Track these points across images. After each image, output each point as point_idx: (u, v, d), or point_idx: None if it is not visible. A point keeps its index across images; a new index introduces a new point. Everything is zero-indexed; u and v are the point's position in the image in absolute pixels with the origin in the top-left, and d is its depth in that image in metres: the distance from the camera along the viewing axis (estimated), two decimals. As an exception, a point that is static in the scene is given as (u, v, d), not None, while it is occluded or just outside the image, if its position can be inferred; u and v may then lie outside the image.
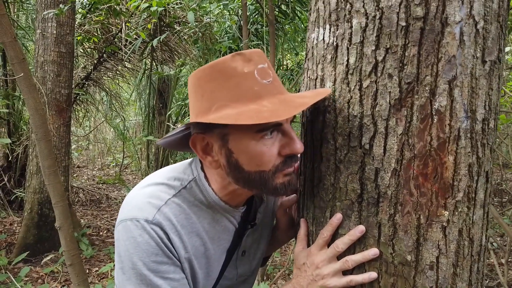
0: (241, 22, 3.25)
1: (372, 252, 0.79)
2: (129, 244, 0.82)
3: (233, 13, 3.96)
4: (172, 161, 6.62)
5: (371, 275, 0.79)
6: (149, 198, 0.86)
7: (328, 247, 0.85)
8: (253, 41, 3.76)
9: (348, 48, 0.82)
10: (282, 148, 0.82)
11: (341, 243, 0.82)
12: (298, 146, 0.82)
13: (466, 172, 0.77)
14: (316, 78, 0.90)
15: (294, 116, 0.87)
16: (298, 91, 1.04)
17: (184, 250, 0.87)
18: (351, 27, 0.81)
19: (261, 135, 0.80)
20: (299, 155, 1.02)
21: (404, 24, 0.76)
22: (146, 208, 0.84)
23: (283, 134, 0.83)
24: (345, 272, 0.83)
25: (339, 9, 0.84)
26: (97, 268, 4.11)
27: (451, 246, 0.78)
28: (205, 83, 0.83)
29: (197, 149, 0.87)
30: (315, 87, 0.90)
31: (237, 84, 0.80)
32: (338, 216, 0.84)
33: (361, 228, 0.80)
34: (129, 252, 0.82)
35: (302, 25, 4.32)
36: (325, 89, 0.86)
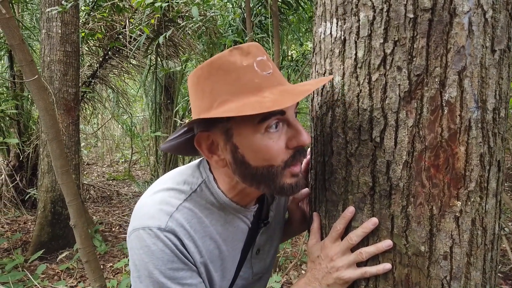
0: (245, 14, 3.24)
1: (386, 243, 0.80)
2: (144, 253, 0.81)
3: (236, 5, 3.94)
4: (180, 156, 6.66)
5: (385, 266, 0.80)
6: (160, 205, 0.85)
7: (341, 239, 0.86)
8: (258, 33, 3.74)
9: (356, 42, 0.82)
10: (289, 141, 0.81)
11: (355, 236, 0.83)
12: (305, 137, 0.81)
13: (478, 162, 0.77)
14: (325, 73, 0.91)
15: (297, 104, 0.85)
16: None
17: (199, 255, 0.87)
18: (359, 20, 0.81)
19: (265, 127, 0.78)
20: (308, 151, 1.03)
21: (412, 16, 0.75)
22: (158, 216, 0.83)
23: (289, 126, 0.81)
24: (359, 264, 0.84)
25: (345, 3, 0.84)
26: (111, 264, 4.17)
27: (464, 235, 0.78)
28: (204, 81, 0.82)
29: (203, 148, 0.86)
30: (324, 82, 0.91)
31: (237, 78, 0.79)
32: (350, 209, 0.84)
33: (374, 220, 0.81)
34: (144, 261, 0.81)
35: (306, 15, 4.29)
36: (327, 76, 0.86)
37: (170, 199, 0.86)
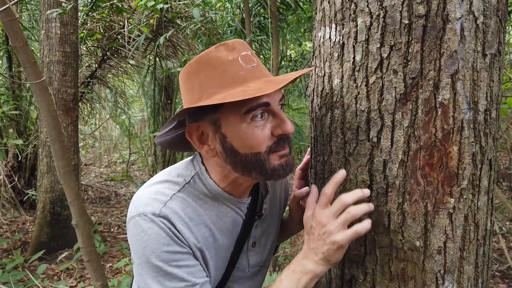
0: (243, 15, 3.27)
1: (341, 172, 0.84)
2: (141, 238, 0.85)
3: (235, 6, 3.97)
4: (179, 156, 6.68)
5: (368, 222, 0.81)
6: (154, 195, 0.89)
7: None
8: (258, 35, 3.77)
9: (354, 46, 0.86)
10: (274, 129, 0.85)
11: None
12: (289, 126, 0.85)
13: (470, 160, 0.81)
14: (324, 75, 0.94)
15: (283, 98, 0.90)
16: (307, 87, 1.07)
17: (195, 240, 0.90)
18: (357, 26, 0.85)
19: (251, 117, 0.82)
20: (308, 151, 1.06)
21: (407, 22, 0.79)
22: (152, 204, 0.87)
23: (274, 116, 0.86)
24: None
25: (344, 9, 0.87)
26: (110, 264, 4.19)
27: (457, 231, 0.82)
28: (193, 76, 0.87)
29: (193, 139, 0.91)
30: (323, 84, 0.94)
31: (223, 71, 0.84)
32: (341, 172, 0.84)
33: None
34: (142, 247, 0.85)
35: (305, 15, 4.32)
36: (307, 68, 0.92)
37: (164, 190, 0.91)
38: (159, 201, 0.88)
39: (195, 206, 0.91)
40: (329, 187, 0.85)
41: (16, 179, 5.73)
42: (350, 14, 0.86)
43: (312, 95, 1.00)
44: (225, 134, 0.85)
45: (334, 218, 0.83)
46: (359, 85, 0.85)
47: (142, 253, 0.85)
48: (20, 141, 3.84)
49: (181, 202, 0.89)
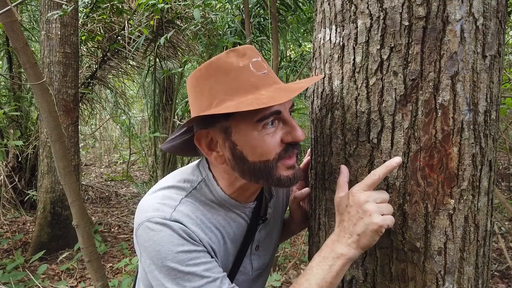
0: (243, 16, 3.28)
1: (397, 159, 0.78)
2: (153, 243, 0.83)
3: (235, 7, 3.97)
4: (179, 156, 6.68)
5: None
6: (162, 200, 0.89)
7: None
8: (258, 36, 3.77)
9: (354, 48, 0.86)
10: (285, 136, 0.85)
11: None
12: (300, 134, 0.85)
13: (470, 162, 0.81)
14: (324, 77, 0.94)
15: (293, 105, 0.90)
16: (307, 88, 1.07)
17: (209, 239, 0.89)
18: (357, 27, 0.85)
19: (263, 125, 0.82)
20: (308, 152, 1.06)
21: (407, 23, 0.79)
22: (162, 208, 0.86)
23: (284, 123, 0.86)
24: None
25: (344, 11, 0.88)
26: (111, 264, 4.19)
27: (457, 232, 0.82)
28: (203, 81, 0.87)
29: (202, 145, 0.90)
30: (323, 85, 0.94)
31: (235, 77, 0.84)
32: (397, 160, 0.79)
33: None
34: (155, 251, 0.83)
35: (305, 16, 4.32)
36: (319, 75, 0.91)
37: (172, 195, 0.90)
38: (169, 206, 0.87)
39: (203, 210, 0.91)
40: (382, 172, 0.79)
41: (16, 180, 5.73)
42: (350, 16, 0.86)
43: (312, 96, 1.01)
44: (235, 142, 0.85)
45: (374, 202, 0.78)
46: (359, 87, 0.86)
47: (157, 257, 0.83)
48: (20, 142, 3.85)
49: (190, 206, 0.89)
